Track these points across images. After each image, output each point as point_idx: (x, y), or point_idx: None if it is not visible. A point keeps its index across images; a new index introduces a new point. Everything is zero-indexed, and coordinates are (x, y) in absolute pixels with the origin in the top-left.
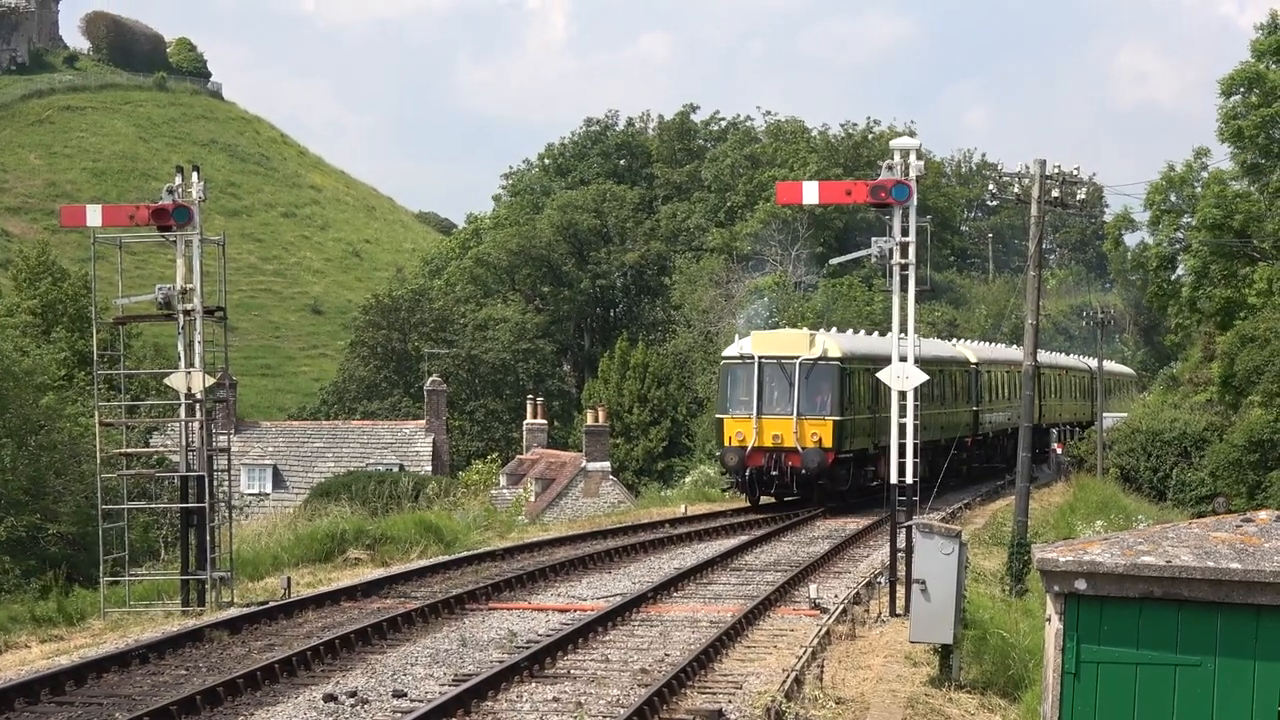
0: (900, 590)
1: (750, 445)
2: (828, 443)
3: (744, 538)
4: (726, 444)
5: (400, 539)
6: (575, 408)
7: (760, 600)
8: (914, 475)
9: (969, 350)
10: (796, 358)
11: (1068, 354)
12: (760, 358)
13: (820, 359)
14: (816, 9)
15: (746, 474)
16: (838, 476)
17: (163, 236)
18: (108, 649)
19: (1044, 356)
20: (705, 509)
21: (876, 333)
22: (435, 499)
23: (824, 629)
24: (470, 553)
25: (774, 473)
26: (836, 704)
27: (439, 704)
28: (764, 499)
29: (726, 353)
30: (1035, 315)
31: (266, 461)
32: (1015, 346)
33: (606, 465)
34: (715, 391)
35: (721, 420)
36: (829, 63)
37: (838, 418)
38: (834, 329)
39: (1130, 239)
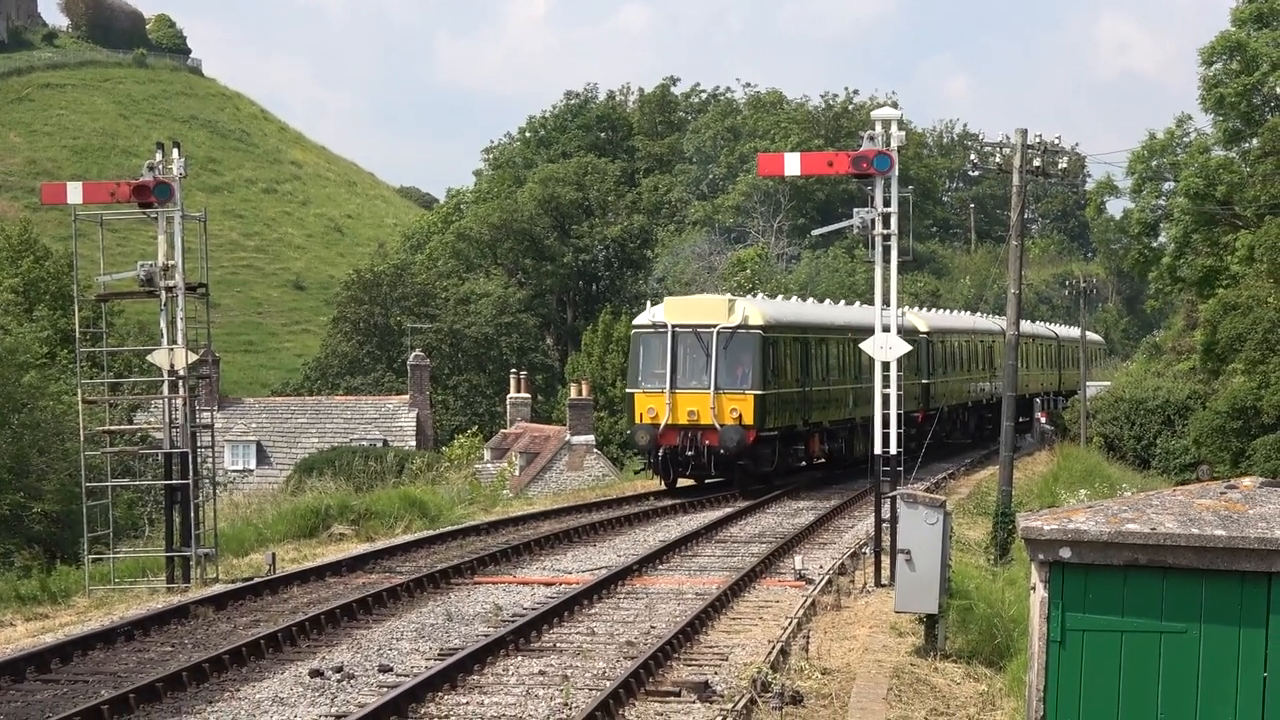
0: (885, 561)
1: (663, 423)
2: (748, 419)
3: (728, 509)
4: (638, 421)
5: (385, 514)
6: (559, 382)
7: (745, 572)
8: (898, 445)
9: (918, 319)
10: (714, 326)
11: (1033, 321)
12: (674, 326)
13: (740, 327)
14: None
15: (660, 454)
16: (760, 456)
17: (144, 213)
18: (93, 626)
19: (1000, 323)
20: (689, 481)
21: (813, 300)
22: (419, 474)
23: (809, 600)
24: (455, 527)
25: (689, 453)
26: (822, 674)
27: (425, 678)
28: (682, 481)
29: (638, 321)
30: (1018, 284)
31: (250, 438)
32: (975, 314)
33: (590, 439)
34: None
35: (633, 395)
36: (808, 36)
37: (759, 392)
38: (759, 294)
39: (1113, 206)
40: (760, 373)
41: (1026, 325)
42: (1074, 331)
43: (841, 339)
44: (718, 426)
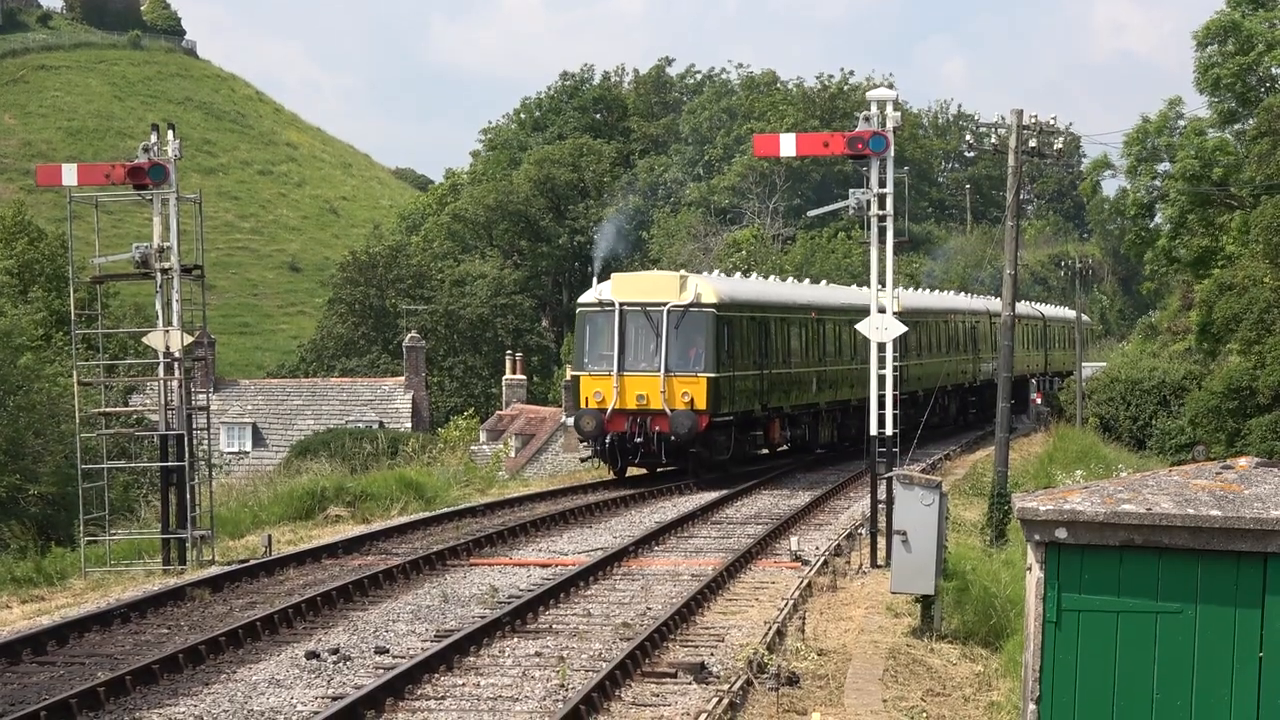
0: (881, 541)
1: (611, 407)
2: (701, 404)
3: (725, 491)
4: (583, 405)
5: (381, 496)
6: (554, 363)
7: (741, 553)
8: (894, 426)
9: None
10: (664, 304)
11: (1023, 301)
12: (622, 305)
13: (693, 306)
14: None
15: (607, 441)
16: (715, 444)
17: (139, 195)
18: (89, 608)
19: (982, 303)
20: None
21: (775, 277)
22: (415, 455)
23: (805, 581)
24: (451, 509)
25: (638, 439)
26: (818, 655)
27: (421, 660)
28: (632, 470)
29: (583, 299)
30: (1014, 265)
31: (246, 420)
32: (952, 293)
33: None
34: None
35: (578, 378)
36: (803, 17)
37: (713, 375)
38: (716, 272)
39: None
40: (714, 354)
41: (1019, 306)
42: (1061, 311)
43: (804, 319)
44: (668, 411)
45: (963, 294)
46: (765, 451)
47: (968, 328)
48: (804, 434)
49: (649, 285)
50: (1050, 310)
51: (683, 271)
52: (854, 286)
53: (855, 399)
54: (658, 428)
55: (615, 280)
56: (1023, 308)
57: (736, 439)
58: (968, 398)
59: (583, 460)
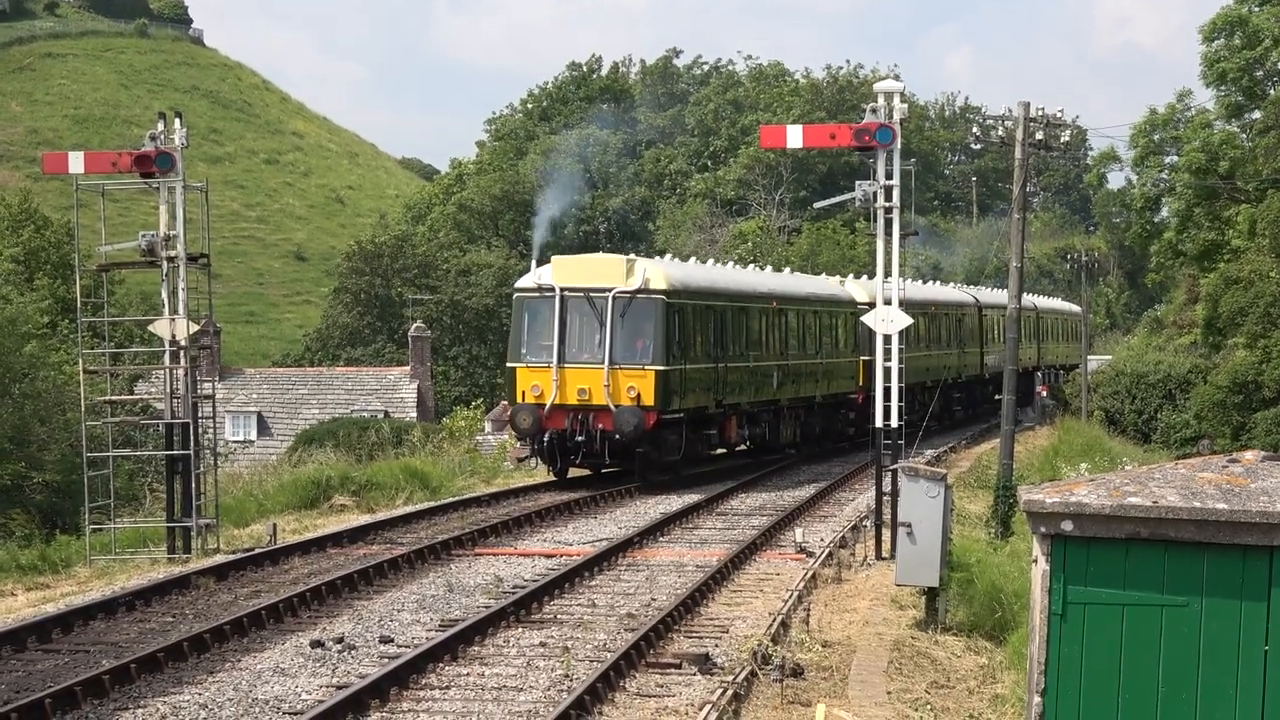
0: (886, 534)
1: (549, 403)
2: (648, 399)
3: (730, 483)
4: (519, 400)
5: (386, 485)
6: None
7: (746, 545)
8: (899, 418)
9: (858, 288)
10: (609, 290)
11: (993, 289)
12: (563, 290)
13: (640, 292)
14: None
15: (545, 439)
16: (664, 443)
17: (145, 183)
18: (94, 596)
19: (967, 294)
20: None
21: (732, 264)
22: (420, 445)
23: (810, 573)
24: (456, 499)
25: (580, 438)
26: (823, 647)
27: (426, 649)
28: (575, 471)
29: (521, 283)
30: (1019, 258)
31: (251, 409)
32: (936, 284)
33: None
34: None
35: (514, 370)
36: (807, 9)
37: (662, 367)
38: (669, 255)
39: (1114, 179)
40: (663, 345)
41: (1000, 295)
42: (1054, 303)
43: (765, 308)
44: (612, 408)
45: (950, 286)
46: (722, 451)
47: (952, 321)
48: (764, 433)
49: (593, 269)
50: (1044, 302)
51: (631, 255)
52: (822, 276)
53: (820, 395)
54: (601, 425)
55: (556, 263)
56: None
57: (688, 438)
58: (951, 394)
59: (520, 461)
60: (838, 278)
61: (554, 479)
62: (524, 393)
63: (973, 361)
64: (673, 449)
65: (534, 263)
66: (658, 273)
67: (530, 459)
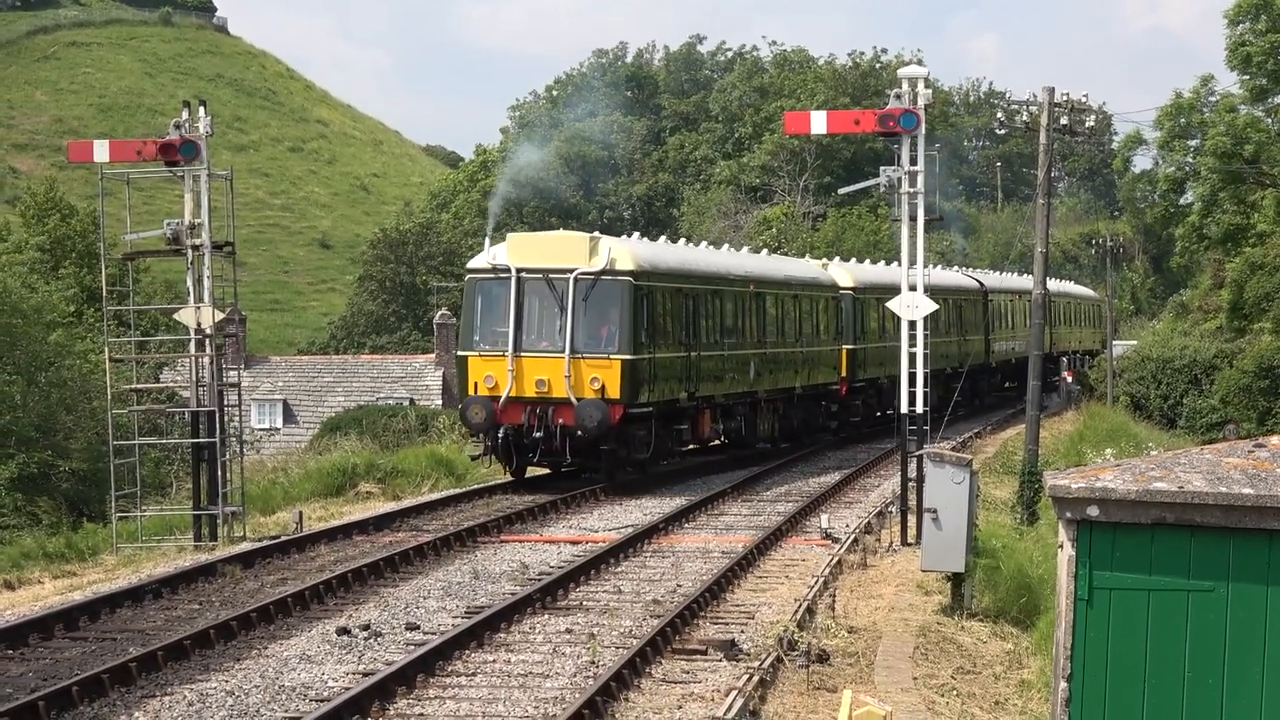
0: (911, 519)
1: (504, 395)
2: (613, 392)
3: (755, 469)
4: (471, 392)
5: (411, 472)
6: None
7: (772, 530)
8: (924, 404)
9: (842, 271)
10: (571, 271)
11: (998, 273)
12: (520, 271)
13: (605, 274)
14: None
15: (500, 435)
16: (631, 439)
17: (170, 171)
18: (120, 584)
19: (970, 278)
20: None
21: (706, 244)
22: (445, 432)
23: (835, 558)
24: (481, 485)
25: (537, 434)
26: (849, 633)
27: (452, 636)
28: (533, 470)
29: (473, 263)
30: (1044, 243)
31: (276, 396)
32: (945, 268)
33: None
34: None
35: (465, 359)
36: None
37: (629, 357)
38: (637, 235)
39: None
40: (630, 332)
41: (1011, 279)
42: (1067, 286)
43: (741, 292)
44: (573, 401)
45: (954, 269)
46: (694, 447)
47: (952, 306)
48: (740, 427)
49: (553, 248)
50: (1055, 285)
51: (595, 233)
52: (805, 258)
53: (800, 386)
54: (561, 420)
55: (512, 241)
56: (1022, 282)
57: (658, 434)
58: (950, 385)
59: (473, 459)
60: (821, 260)
61: (509, 478)
62: (476, 384)
63: (977, 350)
64: (641, 446)
65: (487, 240)
66: (624, 252)
67: (483, 456)
